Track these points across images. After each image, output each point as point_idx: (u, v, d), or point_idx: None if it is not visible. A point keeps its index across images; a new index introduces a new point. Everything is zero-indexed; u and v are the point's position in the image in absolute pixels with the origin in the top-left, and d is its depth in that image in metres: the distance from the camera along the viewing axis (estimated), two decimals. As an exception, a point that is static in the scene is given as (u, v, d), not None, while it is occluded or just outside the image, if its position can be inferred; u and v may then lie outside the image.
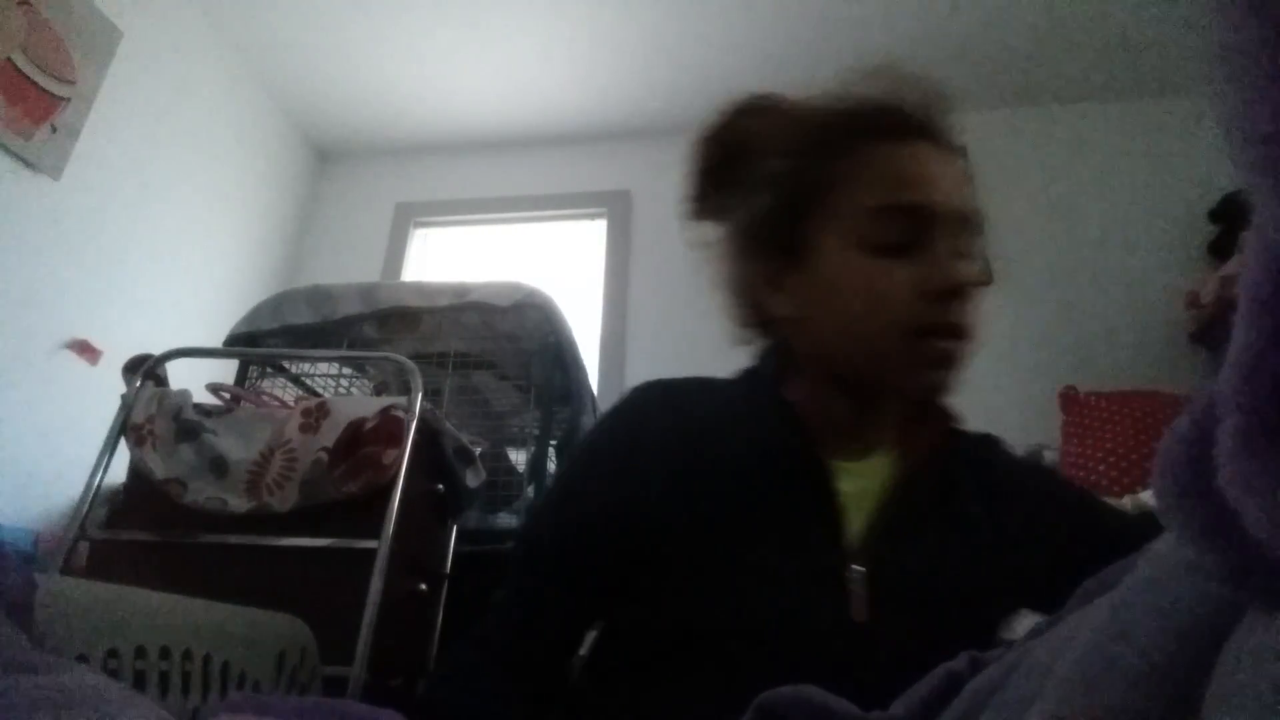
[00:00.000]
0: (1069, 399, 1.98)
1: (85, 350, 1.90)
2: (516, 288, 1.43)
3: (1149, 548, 0.24)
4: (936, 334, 0.53)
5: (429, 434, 1.12)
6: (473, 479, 1.21)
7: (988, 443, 0.64)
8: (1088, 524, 0.59)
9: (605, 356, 2.45)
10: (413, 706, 0.48)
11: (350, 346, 1.44)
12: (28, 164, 1.79)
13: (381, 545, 0.94)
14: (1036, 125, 2.62)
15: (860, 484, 0.55)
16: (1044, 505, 0.60)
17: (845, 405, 0.58)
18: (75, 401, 1.83)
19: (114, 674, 0.45)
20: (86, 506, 1.01)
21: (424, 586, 1.14)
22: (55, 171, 1.85)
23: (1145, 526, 0.58)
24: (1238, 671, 0.16)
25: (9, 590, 0.35)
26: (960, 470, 0.58)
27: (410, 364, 1.10)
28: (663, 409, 0.59)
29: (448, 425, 1.18)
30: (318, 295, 1.47)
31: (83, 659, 0.43)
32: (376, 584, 0.91)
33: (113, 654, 0.46)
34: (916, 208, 0.54)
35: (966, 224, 0.57)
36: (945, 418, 0.60)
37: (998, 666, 0.31)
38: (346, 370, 1.55)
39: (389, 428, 1.02)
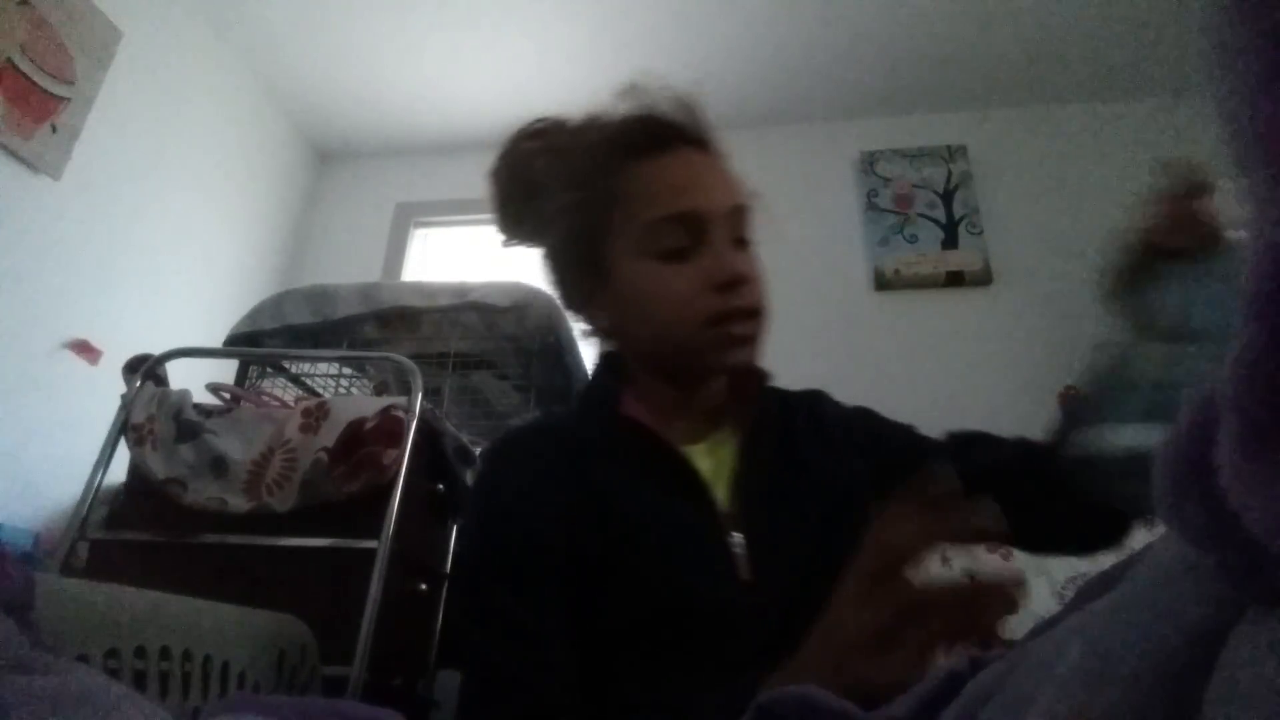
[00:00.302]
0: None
1: (85, 350, 1.90)
2: (516, 288, 1.43)
3: (1149, 547, 0.24)
4: (729, 319, 0.60)
5: (429, 434, 1.12)
6: (472, 479, 1.21)
7: (815, 397, 0.73)
8: (901, 443, 0.70)
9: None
10: None
11: (350, 346, 1.44)
12: (28, 164, 1.79)
13: (381, 545, 0.94)
14: (1036, 125, 2.62)
15: (715, 460, 0.63)
16: (870, 436, 0.69)
17: (676, 395, 0.66)
18: (75, 401, 1.83)
19: (114, 674, 0.45)
20: (86, 506, 1.01)
21: (424, 586, 1.14)
22: (55, 171, 1.85)
23: (939, 444, 0.69)
24: (1238, 671, 0.16)
25: (9, 590, 0.35)
26: (795, 424, 0.67)
27: (410, 364, 1.10)
28: (524, 460, 0.63)
29: (448, 425, 1.18)
30: (318, 295, 1.47)
31: (83, 659, 0.43)
32: (376, 584, 0.91)
33: (113, 654, 0.46)
34: (685, 214, 0.61)
35: (736, 215, 0.63)
36: (761, 382, 0.68)
37: (997, 666, 0.31)
38: (346, 370, 1.55)
39: (389, 428, 1.02)
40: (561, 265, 0.70)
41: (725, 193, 0.64)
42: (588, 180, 0.66)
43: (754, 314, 0.61)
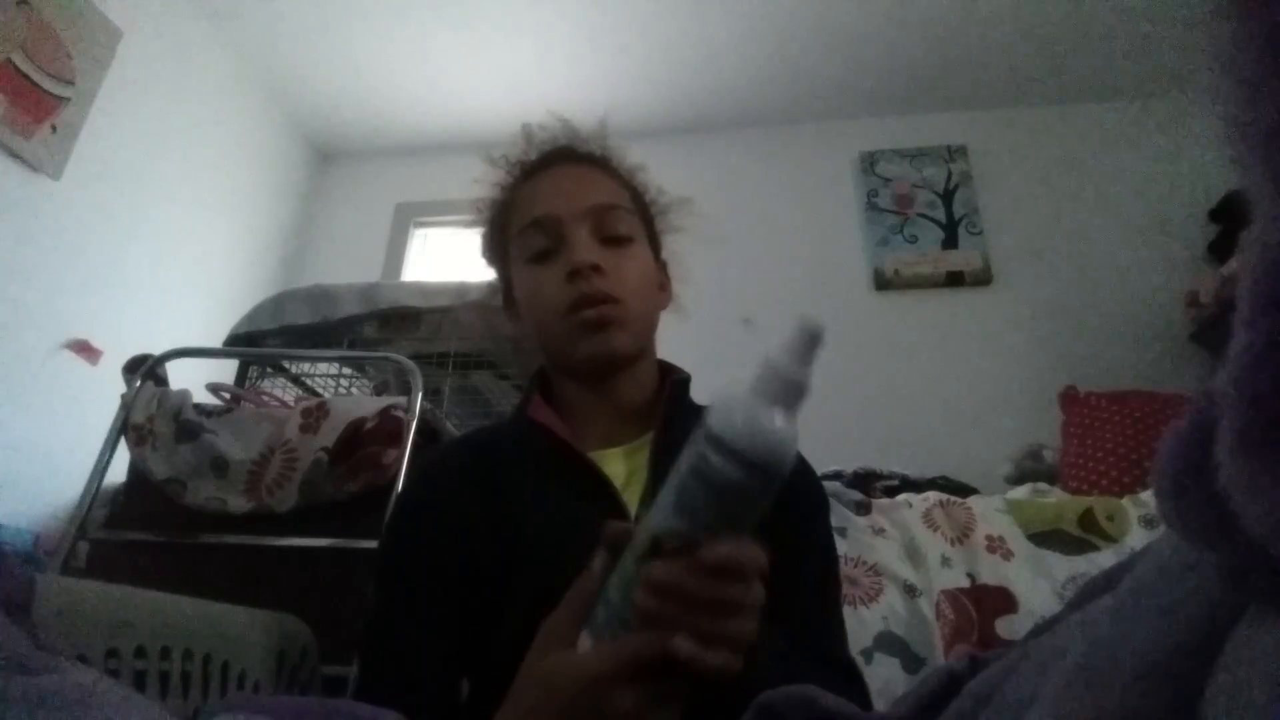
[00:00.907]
0: (1069, 399, 1.98)
1: (85, 350, 1.90)
2: (516, 288, 1.43)
3: (1149, 547, 0.24)
4: (579, 305, 0.64)
5: (429, 434, 1.12)
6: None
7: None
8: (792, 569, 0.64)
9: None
10: None
11: (350, 346, 1.44)
12: (28, 164, 1.79)
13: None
14: (1036, 125, 2.62)
15: (631, 465, 0.65)
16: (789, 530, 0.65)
17: (590, 397, 0.68)
18: (75, 401, 1.83)
19: (114, 674, 0.45)
20: (86, 506, 1.01)
21: (424, 586, 1.13)
22: (55, 171, 1.85)
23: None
24: (1238, 670, 0.16)
25: (9, 590, 0.35)
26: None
27: (410, 364, 1.10)
28: (443, 470, 0.67)
29: (448, 425, 1.18)
30: (318, 295, 1.47)
31: (83, 659, 0.43)
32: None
33: (113, 654, 0.46)
34: (539, 219, 0.68)
35: (597, 214, 0.68)
36: (676, 386, 0.69)
37: (998, 666, 0.31)
38: (346, 370, 1.55)
39: (389, 428, 1.02)
40: (495, 280, 0.79)
41: (581, 195, 0.68)
42: (493, 206, 0.76)
43: (602, 300, 0.63)
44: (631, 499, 0.61)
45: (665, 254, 0.77)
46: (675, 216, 0.79)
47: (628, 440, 0.67)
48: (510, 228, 0.72)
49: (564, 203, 0.68)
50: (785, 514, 0.63)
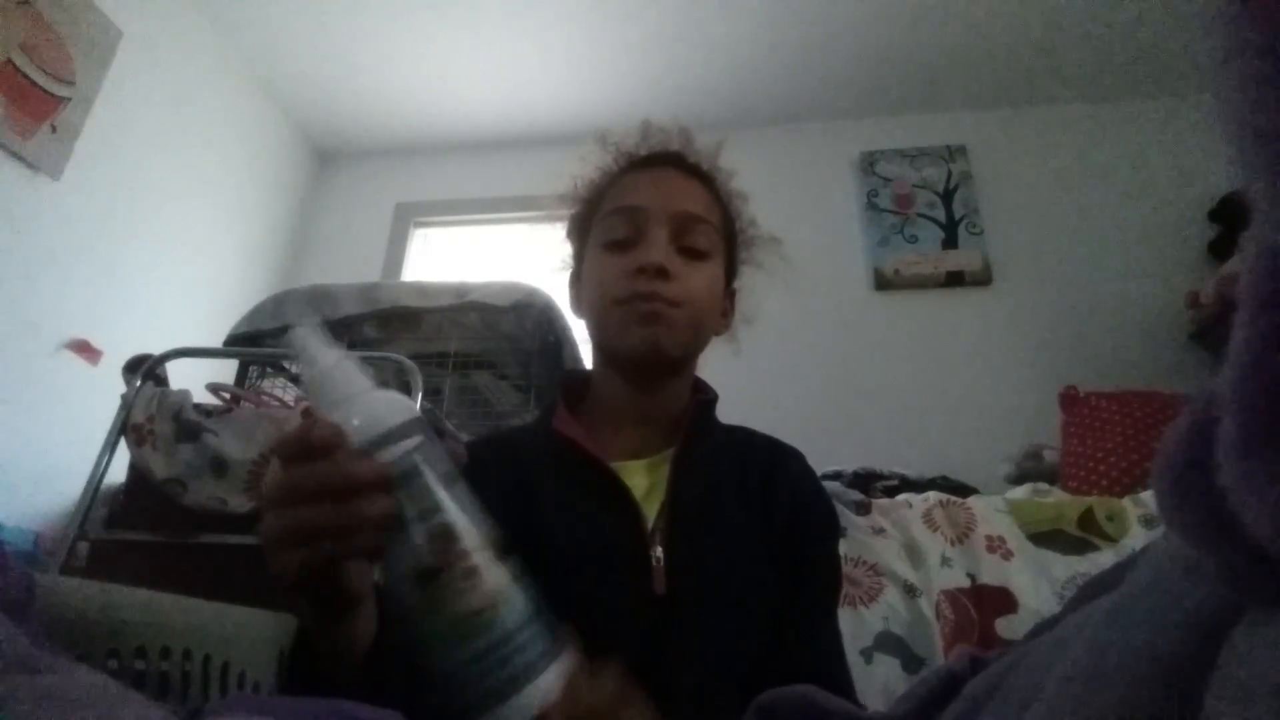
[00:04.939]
0: (1069, 399, 1.98)
1: (85, 350, 1.89)
2: (516, 288, 1.43)
3: (1149, 547, 0.24)
4: (635, 300, 0.65)
5: (429, 434, 1.12)
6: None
7: (784, 454, 0.72)
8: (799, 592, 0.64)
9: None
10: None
11: (350, 346, 1.44)
12: (28, 164, 1.79)
13: (381, 545, 0.93)
14: (1036, 125, 2.62)
15: (654, 476, 0.66)
16: (796, 551, 0.65)
17: (631, 395, 0.69)
18: (75, 401, 1.83)
19: (114, 674, 0.45)
20: (86, 506, 1.01)
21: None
22: (55, 171, 1.85)
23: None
24: (1238, 670, 0.16)
25: (9, 590, 0.35)
26: (727, 466, 0.68)
27: (410, 364, 1.10)
28: (476, 460, 0.67)
29: (448, 425, 1.18)
30: (318, 295, 1.47)
31: (83, 659, 0.43)
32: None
33: (113, 654, 0.46)
34: (625, 208, 0.69)
35: (683, 221, 0.68)
36: (703, 402, 0.71)
37: (997, 666, 0.31)
38: (346, 370, 1.54)
39: (389, 428, 1.02)
40: (570, 256, 0.79)
41: (673, 199, 0.69)
42: (590, 187, 0.76)
43: (658, 299, 0.64)
44: (650, 511, 0.62)
45: (738, 284, 0.78)
46: (760, 251, 0.80)
47: (651, 453, 0.68)
48: (599, 210, 0.72)
49: (655, 200, 0.68)
50: (794, 532, 0.65)
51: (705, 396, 0.72)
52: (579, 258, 0.76)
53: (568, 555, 0.59)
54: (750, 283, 0.80)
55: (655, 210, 0.68)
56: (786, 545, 0.64)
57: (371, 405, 0.40)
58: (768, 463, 0.70)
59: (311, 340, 0.42)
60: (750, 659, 0.58)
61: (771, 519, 0.65)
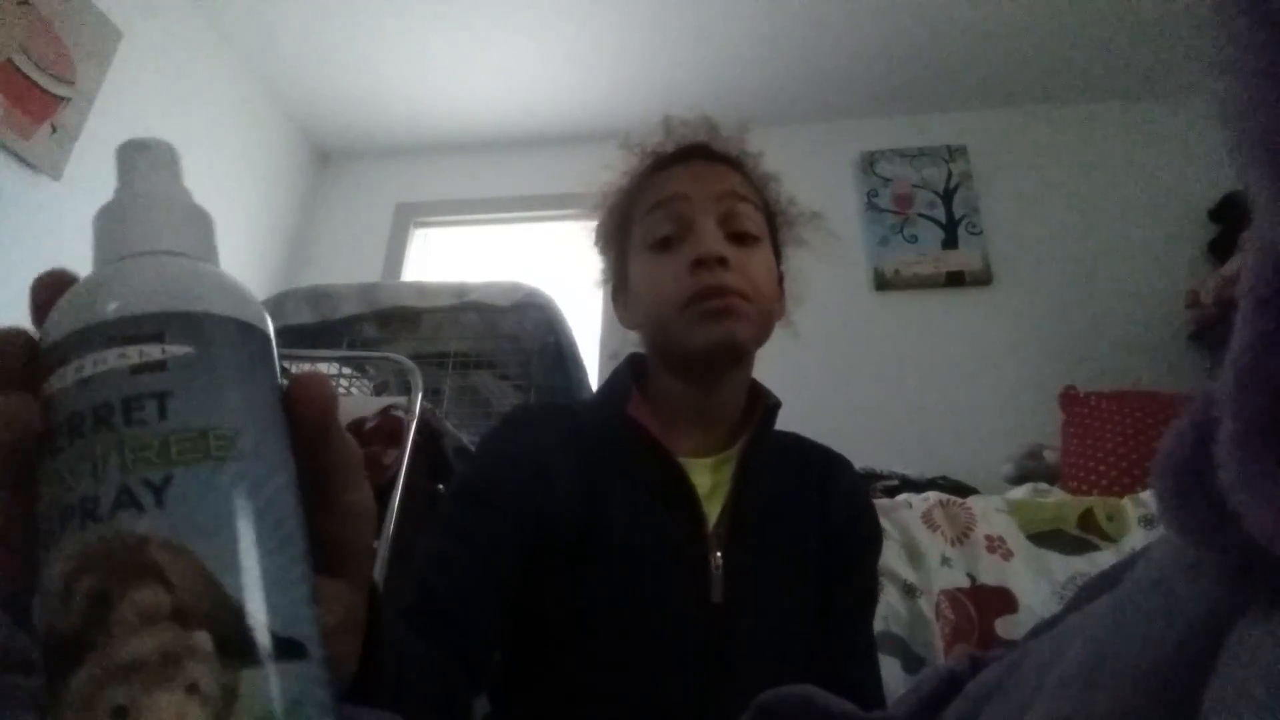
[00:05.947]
0: (1069, 399, 1.98)
1: (85, 350, 1.89)
2: (516, 288, 1.43)
3: (1149, 547, 0.24)
4: (701, 297, 0.61)
5: (429, 434, 1.12)
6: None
7: (837, 465, 0.71)
8: (845, 605, 0.65)
9: (605, 357, 2.45)
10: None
11: (350, 346, 1.44)
12: (28, 164, 1.79)
13: (381, 546, 0.94)
14: (1037, 125, 2.62)
15: (718, 477, 0.64)
16: (844, 559, 0.65)
17: (690, 397, 0.66)
18: (75, 401, 1.83)
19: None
20: (86, 506, 1.01)
21: (424, 586, 1.13)
22: (55, 171, 1.85)
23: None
24: (1237, 671, 0.16)
25: (8, 589, 0.35)
26: (787, 473, 0.67)
27: (410, 364, 1.10)
28: (542, 424, 0.66)
29: (448, 425, 1.18)
30: (318, 295, 1.47)
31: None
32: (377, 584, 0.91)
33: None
34: (666, 198, 0.65)
35: (726, 203, 0.65)
36: (767, 407, 0.67)
37: (997, 666, 0.31)
38: (346, 370, 1.55)
39: (389, 428, 1.02)
40: (609, 282, 0.76)
41: (716, 186, 0.65)
42: (618, 193, 0.73)
43: (725, 292, 0.60)
44: (711, 511, 0.60)
45: (784, 267, 0.75)
46: (804, 230, 0.76)
47: (715, 452, 0.65)
48: (634, 214, 0.69)
49: (695, 188, 0.65)
50: (843, 544, 0.65)
51: (771, 403, 0.68)
52: (618, 270, 0.72)
53: (628, 554, 0.57)
54: (797, 263, 0.77)
55: (698, 197, 0.64)
56: (833, 556, 0.64)
57: (141, 277, 0.23)
58: (822, 473, 0.68)
59: (142, 159, 0.25)
60: (799, 673, 0.58)
61: (823, 530, 0.64)
